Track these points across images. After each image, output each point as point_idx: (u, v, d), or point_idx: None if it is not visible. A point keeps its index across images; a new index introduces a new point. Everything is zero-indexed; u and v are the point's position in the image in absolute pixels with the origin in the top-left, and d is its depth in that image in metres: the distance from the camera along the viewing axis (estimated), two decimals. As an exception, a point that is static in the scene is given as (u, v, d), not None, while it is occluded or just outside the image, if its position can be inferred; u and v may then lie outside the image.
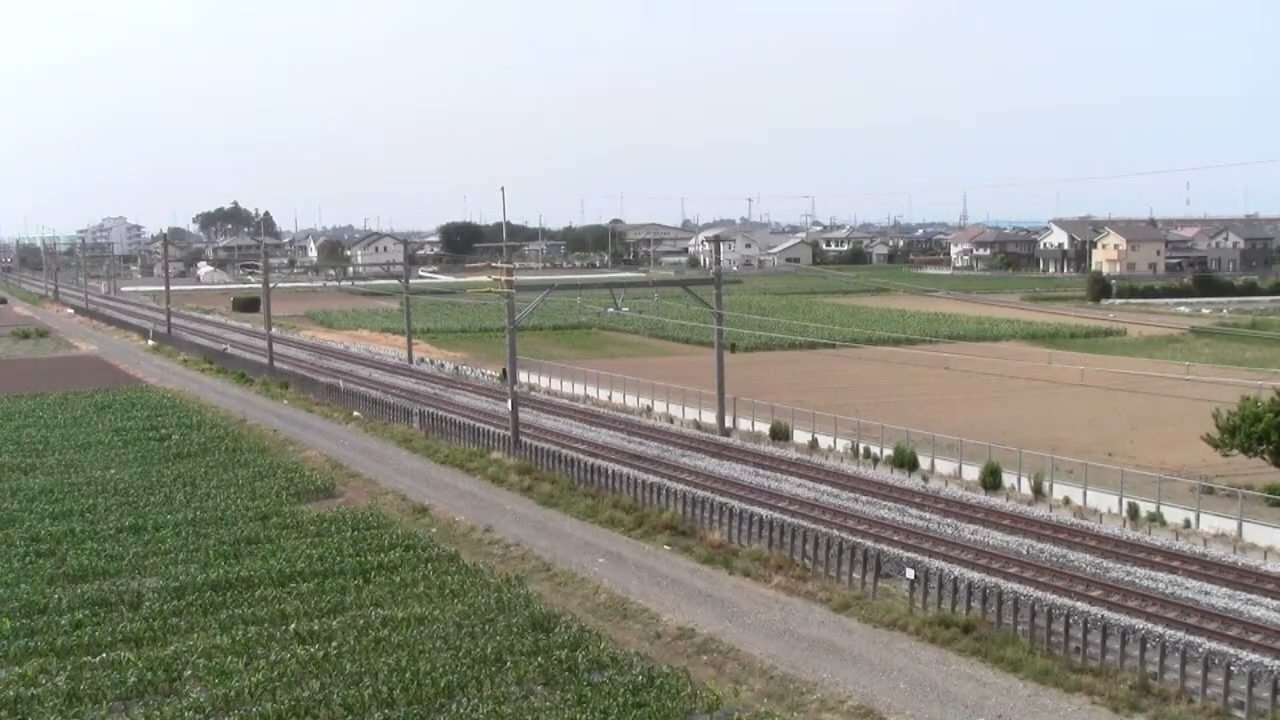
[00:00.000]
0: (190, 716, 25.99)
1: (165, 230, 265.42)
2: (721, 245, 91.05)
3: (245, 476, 51.27)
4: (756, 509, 42.13)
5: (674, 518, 42.19)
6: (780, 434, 58.31)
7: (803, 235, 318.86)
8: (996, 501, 45.14)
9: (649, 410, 68.52)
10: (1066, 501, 45.19)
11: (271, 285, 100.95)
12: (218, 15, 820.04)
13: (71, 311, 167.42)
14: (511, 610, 32.78)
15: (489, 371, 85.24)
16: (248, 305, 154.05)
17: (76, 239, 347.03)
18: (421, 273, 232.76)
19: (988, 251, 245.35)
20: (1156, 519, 42.21)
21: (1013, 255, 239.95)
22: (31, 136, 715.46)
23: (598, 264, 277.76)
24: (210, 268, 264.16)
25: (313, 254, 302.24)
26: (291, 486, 49.22)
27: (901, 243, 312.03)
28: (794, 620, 32.57)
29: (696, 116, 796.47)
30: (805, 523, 40.27)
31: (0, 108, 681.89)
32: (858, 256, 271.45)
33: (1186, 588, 34.30)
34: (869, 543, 38.00)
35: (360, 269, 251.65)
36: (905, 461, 51.44)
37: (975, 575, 34.55)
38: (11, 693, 27.28)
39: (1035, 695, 27.41)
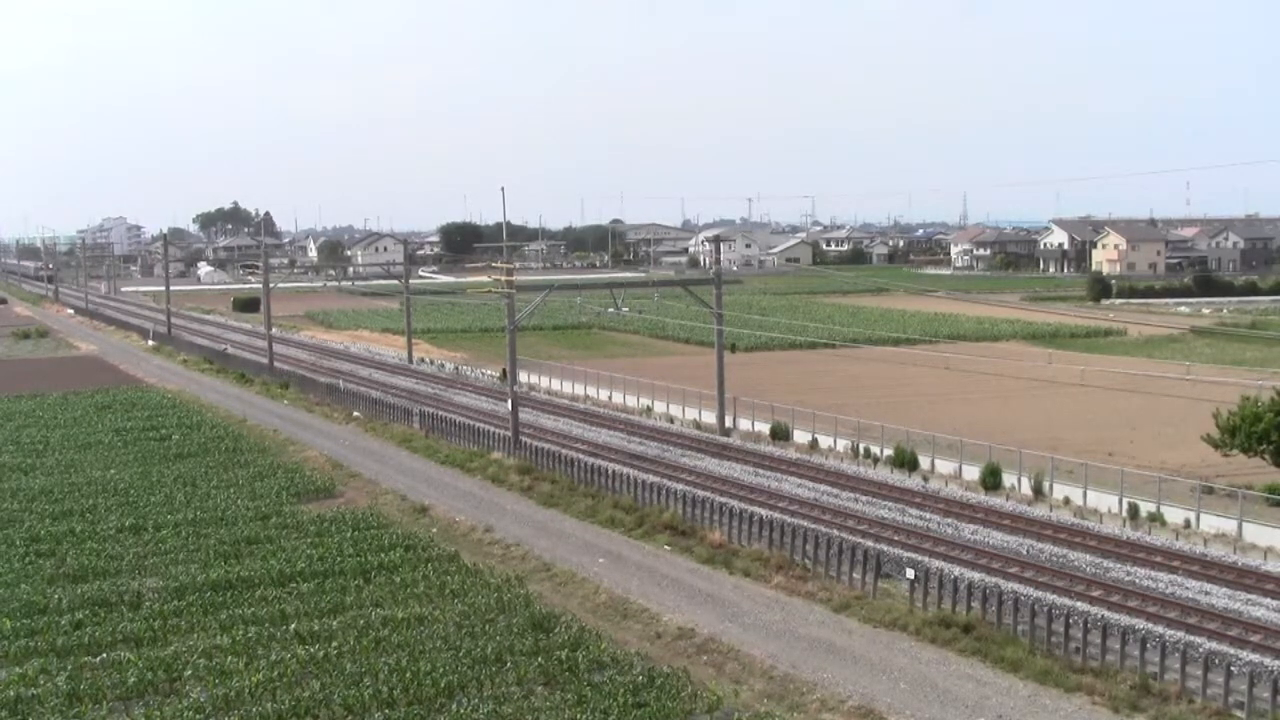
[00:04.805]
0: (190, 716, 25.99)
1: (165, 230, 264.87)
2: (721, 245, 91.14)
3: (245, 476, 51.27)
4: (757, 509, 42.13)
5: (674, 518, 42.19)
6: (780, 434, 58.31)
7: (803, 235, 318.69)
8: (996, 501, 45.14)
9: (649, 410, 68.52)
10: (1066, 501, 45.19)
11: (271, 285, 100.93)
12: (218, 15, 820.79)
13: (71, 312, 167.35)
14: (511, 610, 32.79)
15: (489, 371, 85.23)
16: (248, 305, 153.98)
17: (76, 239, 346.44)
18: (421, 273, 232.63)
19: (988, 251, 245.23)
20: (1156, 519, 42.22)
21: (1013, 255, 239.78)
22: (31, 136, 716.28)
23: (598, 264, 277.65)
24: (210, 268, 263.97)
25: (313, 254, 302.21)
26: (292, 486, 49.23)
27: (901, 243, 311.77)
28: (794, 620, 32.58)
29: (696, 116, 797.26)
30: (805, 523, 40.28)
31: (1, 108, 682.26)
32: (858, 256, 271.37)
33: (1186, 588, 34.30)
34: (869, 543, 38.00)
35: (360, 269, 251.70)
36: (905, 461, 51.44)
37: (975, 575, 34.56)
38: (12, 693, 27.29)
39: (1035, 695, 27.41)
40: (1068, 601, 32.23)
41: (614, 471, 48.38)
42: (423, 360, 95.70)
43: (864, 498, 45.54)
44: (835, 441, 56.42)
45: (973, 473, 48.99)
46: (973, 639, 30.39)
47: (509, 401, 57.42)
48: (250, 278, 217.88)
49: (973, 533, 40.63)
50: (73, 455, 56.80)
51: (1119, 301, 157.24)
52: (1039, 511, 43.35)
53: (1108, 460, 49.52)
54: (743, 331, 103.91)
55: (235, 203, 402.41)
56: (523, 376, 72.84)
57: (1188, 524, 41.58)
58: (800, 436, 57.95)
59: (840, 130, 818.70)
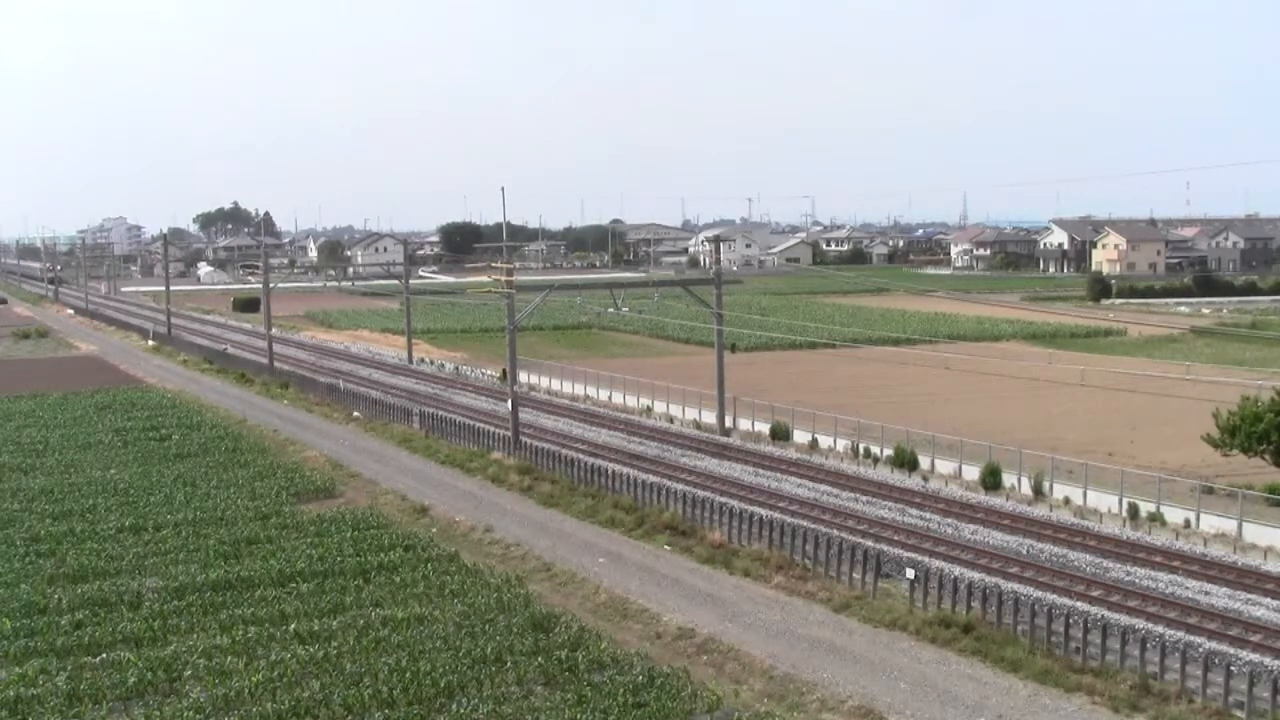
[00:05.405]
0: (190, 716, 25.99)
1: (165, 230, 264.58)
2: (721, 245, 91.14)
3: (245, 476, 51.27)
4: (757, 509, 42.13)
5: (674, 518, 42.19)
6: (780, 434, 58.31)
7: (803, 235, 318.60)
8: (996, 501, 45.14)
9: (649, 410, 68.52)
10: (1066, 501, 45.19)
11: (271, 285, 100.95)
12: (218, 15, 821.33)
13: (71, 312, 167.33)
14: (511, 610, 32.79)
15: (489, 371, 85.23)
16: (248, 305, 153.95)
17: (76, 239, 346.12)
18: (421, 273, 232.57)
19: (988, 251, 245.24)
20: (1156, 519, 42.22)
21: (1013, 255, 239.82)
22: (31, 136, 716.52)
23: (598, 264, 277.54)
24: (210, 268, 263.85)
25: (313, 254, 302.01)
26: (291, 486, 49.23)
27: (901, 243, 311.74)
28: (794, 620, 32.57)
29: (696, 116, 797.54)
30: (805, 523, 40.28)
31: (1, 107, 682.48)
32: (858, 256, 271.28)
33: (1186, 588, 34.31)
34: (869, 543, 38.00)
35: (360, 269, 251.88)
36: (905, 461, 51.43)
37: (975, 575, 34.57)
38: (12, 693, 27.28)
39: (1035, 695, 27.41)
40: (1068, 601, 32.24)
41: (614, 471, 48.39)
42: (423, 360, 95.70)
43: (864, 498, 45.54)
44: (835, 441, 56.42)
45: (973, 473, 48.99)
46: (973, 639, 30.39)
47: (509, 401, 57.42)
48: (250, 278, 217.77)
49: (973, 533, 40.63)
50: (73, 455, 56.79)
51: (1119, 301, 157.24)
52: (1039, 511, 43.35)
53: (1108, 460, 49.53)
54: (743, 331, 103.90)
55: (235, 203, 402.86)
56: (523, 376, 72.85)
57: (1188, 524, 41.58)
58: (800, 436, 57.95)
59: (840, 130, 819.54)
